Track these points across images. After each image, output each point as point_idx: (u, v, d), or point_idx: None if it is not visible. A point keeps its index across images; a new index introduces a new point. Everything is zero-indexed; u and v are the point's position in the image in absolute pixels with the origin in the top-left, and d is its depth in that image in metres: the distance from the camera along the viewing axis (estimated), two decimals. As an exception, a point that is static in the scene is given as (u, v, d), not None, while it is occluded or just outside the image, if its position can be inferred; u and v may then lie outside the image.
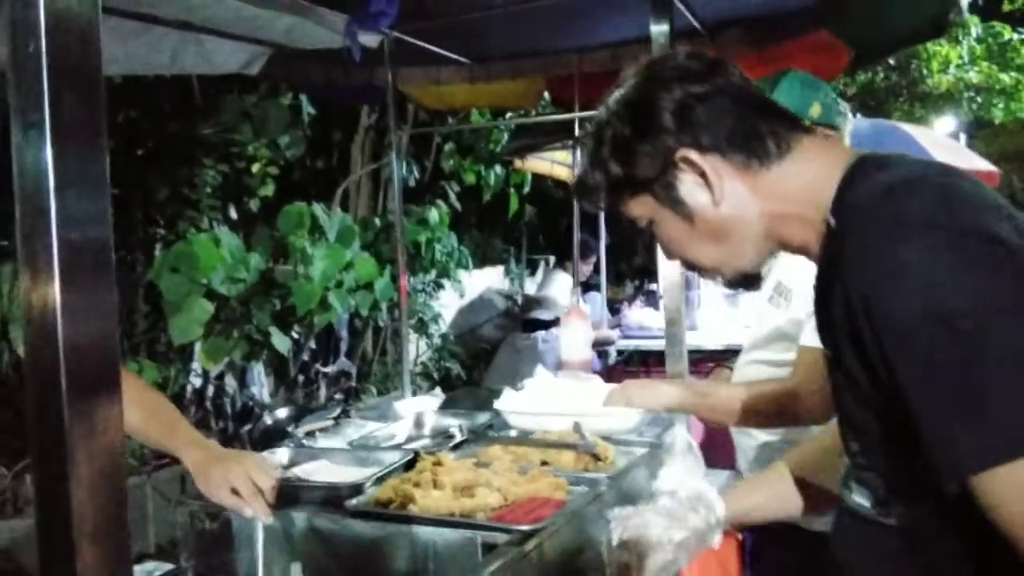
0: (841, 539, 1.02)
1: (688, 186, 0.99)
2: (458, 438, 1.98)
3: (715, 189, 0.98)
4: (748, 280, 1.07)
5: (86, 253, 0.58)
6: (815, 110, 1.87)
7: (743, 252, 1.02)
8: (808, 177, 0.97)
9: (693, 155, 0.98)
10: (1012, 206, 0.90)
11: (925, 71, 11.89)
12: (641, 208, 1.04)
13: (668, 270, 2.35)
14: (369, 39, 2.45)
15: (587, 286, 5.27)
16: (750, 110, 0.99)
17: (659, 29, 2.36)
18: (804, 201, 0.96)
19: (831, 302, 0.90)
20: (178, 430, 1.55)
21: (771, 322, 1.95)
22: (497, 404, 2.12)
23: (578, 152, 4.75)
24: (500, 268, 8.10)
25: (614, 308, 5.46)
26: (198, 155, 4.92)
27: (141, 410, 1.50)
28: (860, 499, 0.96)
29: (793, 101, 1.81)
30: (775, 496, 1.30)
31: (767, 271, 1.05)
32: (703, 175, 0.98)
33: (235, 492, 1.45)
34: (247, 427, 2.88)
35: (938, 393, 0.79)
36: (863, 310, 0.82)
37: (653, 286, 5.38)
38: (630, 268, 8.23)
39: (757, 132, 0.98)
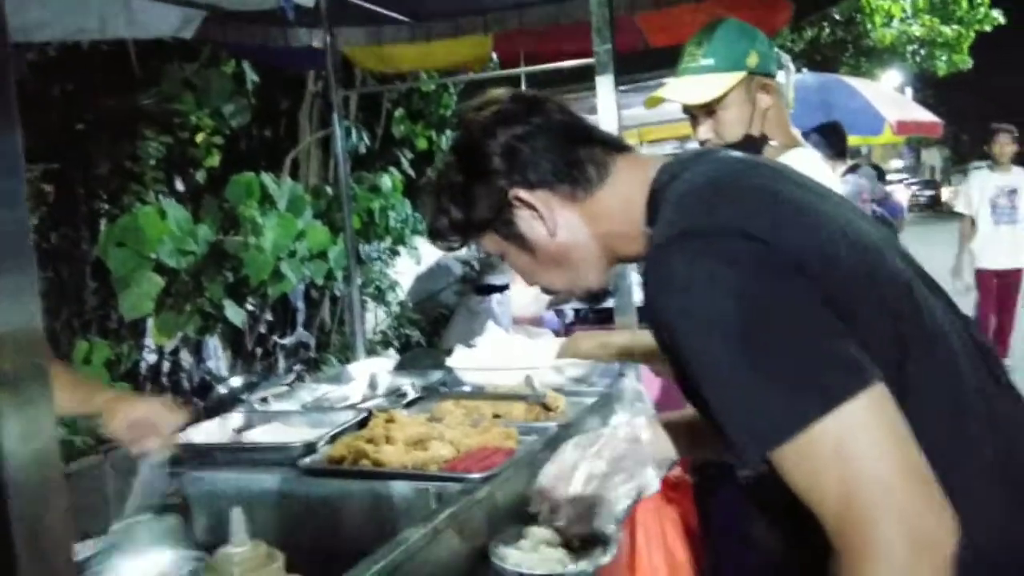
0: (725, 494, 1.08)
1: (525, 221, 1.07)
2: (411, 396, 2.00)
3: (548, 221, 1.05)
4: (596, 296, 1.16)
5: (4, 238, 0.56)
6: (752, 59, 1.89)
7: (585, 273, 1.10)
8: (625, 195, 1.05)
9: (523, 193, 1.05)
10: (793, 186, 0.98)
11: (869, 25, 12.04)
12: (490, 244, 1.12)
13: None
14: (304, -2, 2.39)
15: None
16: (569, 142, 1.06)
17: (598, -17, 2.36)
18: (625, 219, 1.05)
19: None
20: (96, 390, 1.62)
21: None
22: (449, 361, 2.14)
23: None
24: (456, 234, 8.07)
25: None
26: (139, 127, 4.79)
27: (63, 384, 1.52)
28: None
29: (730, 50, 1.82)
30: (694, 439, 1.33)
31: (611, 286, 1.15)
32: (535, 209, 1.05)
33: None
34: (201, 399, 2.87)
35: (711, 388, 0.85)
36: (652, 318, 0.92)
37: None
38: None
39: (578, 161, 1.05)
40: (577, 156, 1.06)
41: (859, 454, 0.78)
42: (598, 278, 1.12)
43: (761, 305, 0.83)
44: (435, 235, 1.16)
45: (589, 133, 1.09)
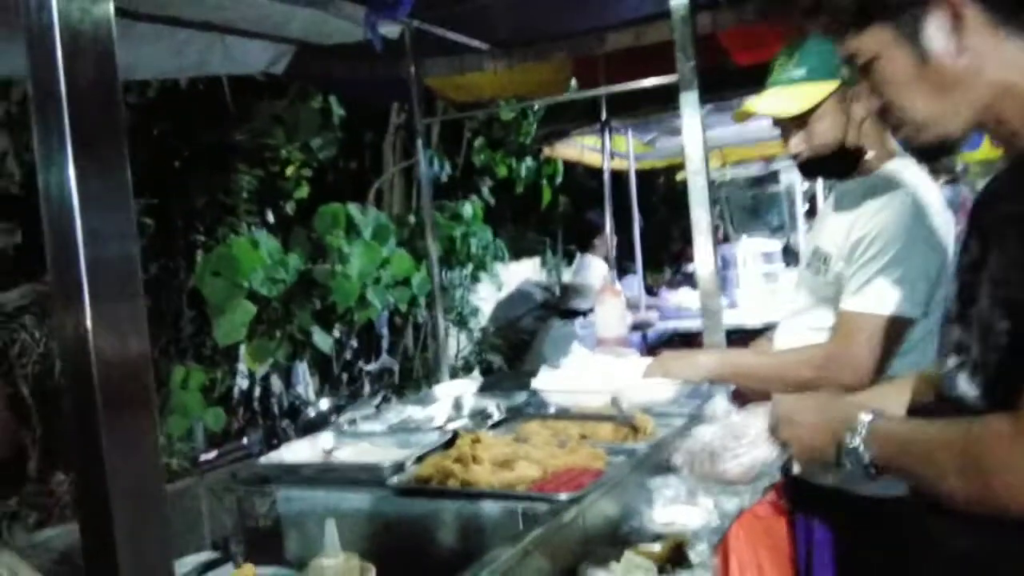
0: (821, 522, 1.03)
1: (936, 26, 0.93)
2: (496, 417, 1.99)
3: (963, 38, 0.92)
4: (947, 146, 1.02)
5: (113, 269, 0.59)
6: (846, 68, 1.83)
7: (958, 114, 0.96)
8: None
9: None
10: None
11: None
12: (872, 40, 0.98)
13: (702, 244, 2.34)
14: (389, 29, 2.47)
15: (622, 270, 5.24)
16: None
17: (679, 2, 2.35)
18: None
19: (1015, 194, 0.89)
20: None
21: (810, 288, 1.92)
22: (534, 383, 2.12)
23: (607, 135, 4.73)
24: (536, 260, 8.09)
25: (652, 293, 5.43)
26: (233, 161, 5.01)
27: None
28: (966, 387, 0.97)
29: (823, 59, 1.77)
30: None
31: (962, 143, 1.02)
32: (957, 19, 0.92)
33: None
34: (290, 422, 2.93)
35: None
36: None
37: (690, 267, 5.33)
38: (667, 254, 8.17)
39: None
40: None
41: None
42: (963, 126, 0.97)
43: None
44: (819, 5, 1.01)
45: None
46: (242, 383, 4.66)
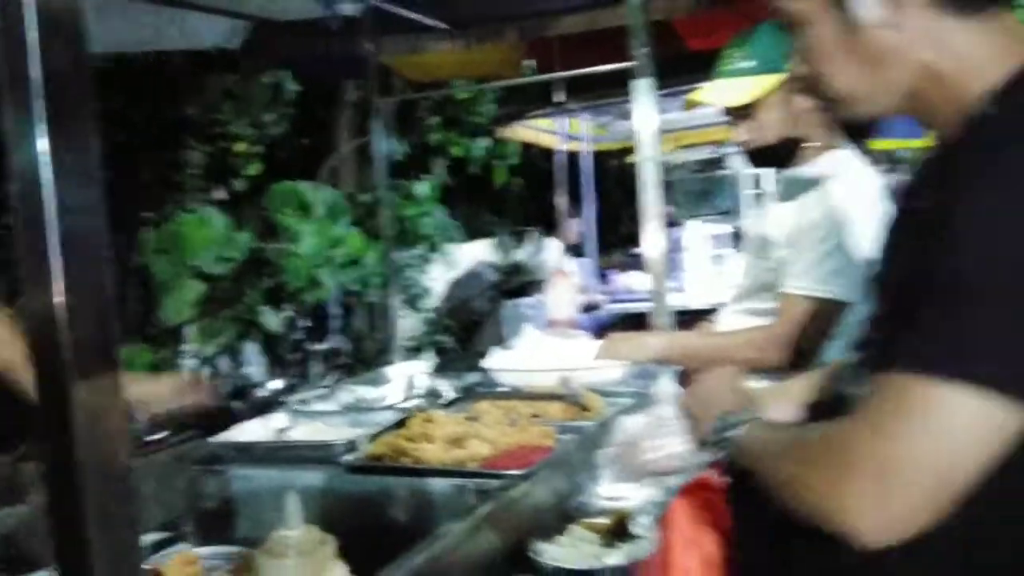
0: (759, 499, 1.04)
1: None
2: (448, 397, 2.02)
3: (898, 11, 0.88)
4: (865, 125, 1.04)
5: (86, 244, 0.60)
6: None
7: (883, 90, 0.93)
8: (987, 50, 0.88)
9: None
10: None
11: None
12: (804, 2, 0.94)
13: (651, 228, 2.38)
14: (348, 7, 2.45)
15: (575, 252, 5.30)
16: None
17: (634, -12, 2.38)
18: (967, 73, 0.88)
19: (937, 184, 0.87)
20: None
21: (755, 273, 1.99)
22: (485, 363, 2.15)
23: (565, 120, 4.76)
24: (489, 241, 8.11)
25: (603, 276, 5.50)
26: (182, 136, 4.91)
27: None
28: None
29: (769, 52, 1.82)
30: None
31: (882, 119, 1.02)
32: None
33: None
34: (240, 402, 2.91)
35: (955, 295, 0.78)
36: (960, 199, 0.80)
37: (639, 250, 5.42)
38: (617, 237, 8.26)
39: None
40: None
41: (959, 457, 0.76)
42: (887, 103, 0.95)
43: None
44: None
45: None
46: (189, 363, 4.60)
